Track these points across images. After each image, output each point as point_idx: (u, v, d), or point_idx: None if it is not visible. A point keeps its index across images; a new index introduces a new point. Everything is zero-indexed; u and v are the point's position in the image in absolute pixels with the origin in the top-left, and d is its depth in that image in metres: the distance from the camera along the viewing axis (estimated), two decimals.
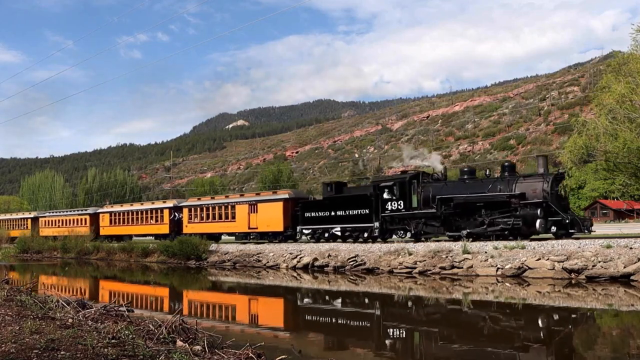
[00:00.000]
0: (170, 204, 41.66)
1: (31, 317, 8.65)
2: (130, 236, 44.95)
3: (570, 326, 12.25)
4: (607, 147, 17.21)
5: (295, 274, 24.32)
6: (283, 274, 24.82)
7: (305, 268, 25.06)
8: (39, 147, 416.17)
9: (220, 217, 36.28)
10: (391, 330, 12.50)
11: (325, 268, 24.43)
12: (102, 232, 45.92)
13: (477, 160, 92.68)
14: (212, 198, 39.05)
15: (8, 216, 61.99)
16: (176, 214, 40.26)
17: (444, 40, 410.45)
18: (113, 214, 45.99)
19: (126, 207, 47.00)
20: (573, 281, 17.22)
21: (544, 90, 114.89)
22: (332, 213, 29.74)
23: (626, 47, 18.36)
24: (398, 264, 22.07)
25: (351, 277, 22.05)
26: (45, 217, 53.89)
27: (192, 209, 38.16)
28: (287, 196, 32.93)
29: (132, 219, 43.83)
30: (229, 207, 35.42)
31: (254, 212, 33.52)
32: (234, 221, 34.83)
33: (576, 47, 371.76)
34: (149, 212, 42.12)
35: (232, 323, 13.74)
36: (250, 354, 6.87)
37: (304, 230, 30.83)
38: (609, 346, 10.07)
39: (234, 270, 27.49)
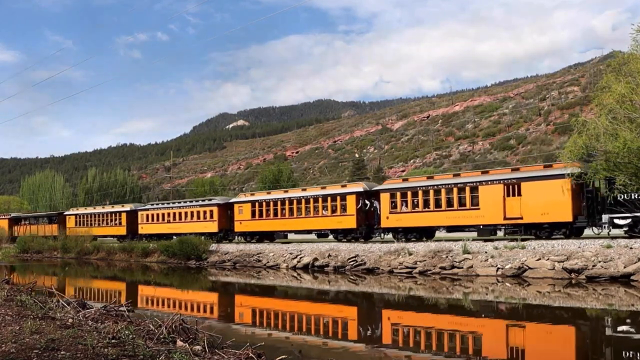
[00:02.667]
0: (357, 187, 30.08)
1: (31, 317, 8.64)
2: (284, 233, 34.57)
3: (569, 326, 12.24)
4: (607, 147, 17.18)
5: (295, 274, 24.32)
6: (283, 274, 24.82)
7: (306, 268, 25.06)
8: (39, 147, 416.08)
9: (445, 204, 25.62)
10: (391, 330, 12.49)
11: (326, 268, 24.43)
12: (239, 227, 34.78)
13: (477, 160, 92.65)
14: (429, 178, 28.13)
15: (91, 210, 50.44)
16: (367, 202, 28.94)
17: (444, 40, 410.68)
18: (258, 204, 33.78)
19: (279, 193, 34.97)
20: (573, 281, 17.22)
21: (544, 90, 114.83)
22: None
23: (626, 47, 18.31)
24: (398, 264, 22.07)
25: (351, 277, 22.05)
26: (147, 210, 42.52)
27: (399, 193, 27.29)
28: (571, 171, 21.41)
29: (294, 209, 32.01)
30: (465, 188, 24.89)
31: (514, 194, 23.27)
32: (476, 209, 24.46)
33: (576, 47, 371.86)
34: (324, 198, 30.67)
35: (232, 323, 13.74)
36: (251, 354, 6.87)
37: (616, 221, 20.69)
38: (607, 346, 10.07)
39: (234, 270, 27.48)
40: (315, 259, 25.22)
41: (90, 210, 50.54)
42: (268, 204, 33.35)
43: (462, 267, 20.19)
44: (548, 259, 18.47)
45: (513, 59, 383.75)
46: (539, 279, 17.79)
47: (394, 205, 27.30)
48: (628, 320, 12.27)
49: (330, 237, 31.23)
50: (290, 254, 26.96)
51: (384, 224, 27.60)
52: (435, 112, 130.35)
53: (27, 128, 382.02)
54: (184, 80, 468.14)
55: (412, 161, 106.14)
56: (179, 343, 7.40)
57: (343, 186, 31.40)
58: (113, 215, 45.72)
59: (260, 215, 33.55)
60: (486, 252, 20.46)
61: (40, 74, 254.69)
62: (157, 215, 41.16)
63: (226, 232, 36.15)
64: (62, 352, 6.10)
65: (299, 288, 21.09)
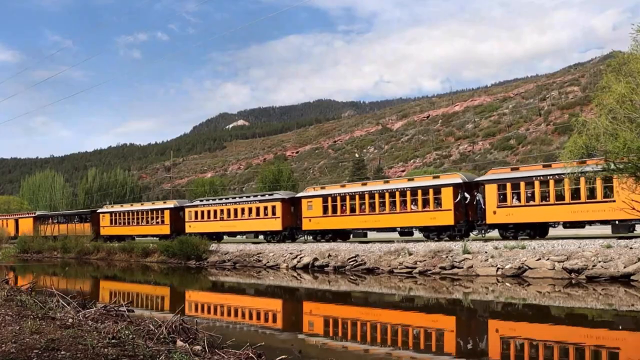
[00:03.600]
0: (454, 178, 26.71)
1: (31, 317, 8.64)
2: (363, 231, 30.55)
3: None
4: (607, 147, 17.17)
5: (295, 274, 24.33)
6: (283, 274, 24.83)
7: (306, 268, 25.07)
8: (39, 147, 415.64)
9: (569, 197, 22.31)
10: (391, 330, 12.50)
11: (326, 268, 24.44)
12: (308, 225, 31.17)
13: (477, 160, 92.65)
14: (546, 167, 24.74)
15: (128, 207, 46.16)
16: (467, 195, 25.62)
17: (444, 40, 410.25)
18: (331, 198, 30.38)
19: (355, 186, 31.33)
20: (573, 281, 17.22)
21: (544, 90, 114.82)
22: None
23: (626, 47, 18.29)
24: (398, 264, 22.08)
25: (351, 277, 22.06)
26: (196, 207, 38.41)
27: (509, 184, 24.18)
28: None
29: (375, 204, 28.41)
30: (594, 179, 21.10)
31: None
32: (609, 201, 21.08)
33: (576, 47, 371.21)
34: (413, 192, 27.20)
35: (232, 323, 13.74)
36: (251, 354, 6.87)
37: None
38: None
39: (234, 270, 27.49)
40: (315, 259, 25.23)
41: (127, 207, 46.20)
42: (343, 199, 29.70)
43: (462, 267, 20.20)
44: (548, 259, 18.48)
45: (513, 59, 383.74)
46: (539, 279, 17.79)
47: (502, 198, 24.33)
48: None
49: (418, 235, 27.96)
50: (290, 254, 26.97)
51: (490, 219, 24.55)
52: (435, 112, 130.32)
53: (27, 128, 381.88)
54: (184, 80, 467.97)
55: (412, 161, 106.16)
56: (179, 343, 7.40)
57: (435, 177, 28.14)
58: (154, 212, 41.49)
59: (334, 211, 29.93)
60: (486, 252, 20.47)
61: (40, 74, 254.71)
62: (208, 212, 36.90)
63: (291, 231, 32.61)
64: (62, 352, 6.10)
65: (299, 288, 21.10)
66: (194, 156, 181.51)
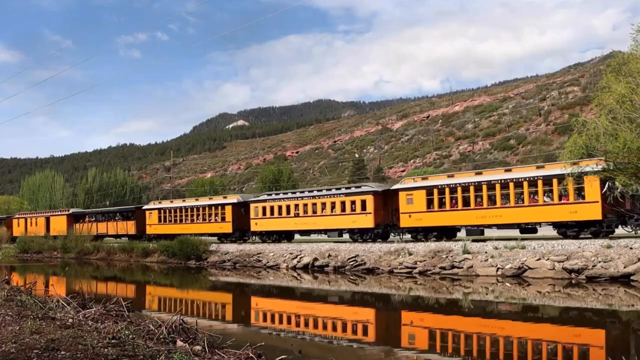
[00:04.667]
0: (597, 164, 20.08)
1: (31, 317, 8.65)
2: (479, 228, 26.76)
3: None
4: (607, 147, 17.17)
5: (295, 274, 24.33)
6: (283, 274, 24.83)
7: (306, 268, 25.07)
8: (39, 147, 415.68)
9: None
10: (390, 330, 12.50)
11: (326, 268, 24.44)
12: (407, 222, 27.15)
13: (477, 160, 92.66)
14: None
15: (179, 203, 41.38)
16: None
17: (444, 40, 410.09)
18: (438, 190, 26.40)
19: (466, 176, 27.49)
20: (573, 281, 17.23)
21: (544, 90, 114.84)
22: None
23: (626, 47, 18.29)
24: (398, 264, 22.08)
25: (351, 277, 22.06)
26: (263, 202, 33.88)
27: None
28: None
29: (496, 197, 24.51)
30: None
31: None
32: None
33: (576, 47, 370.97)
34: (531, 182, 23.58)
35: (232, 323, 13.74)
36: (251, 354, 6.87)
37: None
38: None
39: (234, 270, 27.50)
40: (315, 259, 25.23)
41: (178, 203, 41.51)
42: (453, 190, 25.79)
43: (462, 267, 20.20)
44: (548, 259, 18.48)
45: (513, 59, 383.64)
46: (539, 279, 17.80)
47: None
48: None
49: (544, 232, 24.78)
50: (290, 254, 26.97)
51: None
52: (435, 112, 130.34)
53: (27, 128, 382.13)
54: (184, 80, 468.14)
55: (412, 161, 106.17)
56: (179, 343, 7.40)
57: (575, 163, 19.71)
58: (213, 208, 37.15)
59: (441, 205, 26.07)
60: (486, 252, 20.48)
61: (40, 74, 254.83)
62: (279, 207, 32.66)
63: (386, 228, 28.84)
64: (62, 352, 6.10)
65: (299, 288, 21.10)
66: (194, 156, 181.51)
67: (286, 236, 33.08)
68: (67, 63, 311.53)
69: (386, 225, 28.83)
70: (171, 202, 43.09)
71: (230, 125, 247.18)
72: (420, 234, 27.06)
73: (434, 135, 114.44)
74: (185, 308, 16.08)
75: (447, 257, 21.07)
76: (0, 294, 12.26)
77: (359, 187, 30.90)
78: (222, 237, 36.61)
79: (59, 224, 49.58)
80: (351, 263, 23.73)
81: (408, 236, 27.87)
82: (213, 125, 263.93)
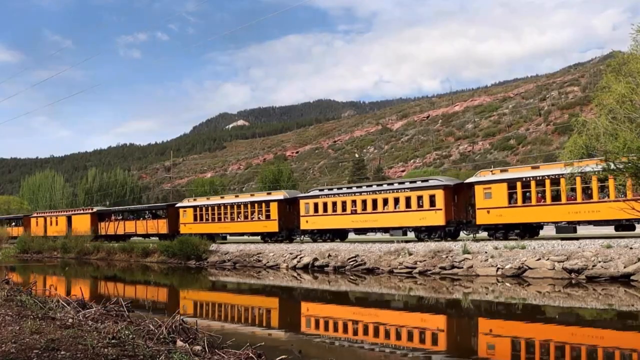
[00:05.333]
0: None
1: (31, 317, 8.65)
2: (573, 225, 24.66)
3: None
4: (607, 147, 17.16)
5: (295, 274, 24.33)
6: (283, 274, 24.83)
7: (306, 268, 25.07)
8: (39, 147, 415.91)
9: None
10: (390, 329, 12.50)
11: (326, 268, 24.43)
12: (485, 218, 24.82)
13: (477, 160, 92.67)
14: None
15: (216, 200, 38.25)
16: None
17: (444, 40, 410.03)
18: (522, 184, 23.87)
19: (554, 167, 23.79)
20: (573, 281, 17.22)
21: (544, 90, 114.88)
22: None
23: (626, 47, 18.29)
24: (398, 264, 22.08)
25: (351, 277, 22.06)
26: (316, 198, 31.19)
27: None
28: None
29: (592, 189, 21.94)
30: None
31: None
32: None
33: (576, 47, 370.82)
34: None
35: (232, 323, 13.74)
36: (251, 354, 6.87)
37: None
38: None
39: (234, 270, 27.50)
40: (315, 259, 25.23)
41: (216, 200, 38.30)
42: (540, 182, 23.14)
43: (462, 267, 20.20)
44: (548, 259, 18.48)
45: (513, 59, 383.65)
46: (539, 279, 17.80)
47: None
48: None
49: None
50: (290, 254, 26.97)
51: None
52: (435, 112, 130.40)
53: (27, 128, 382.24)
54: (184, 80, 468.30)
55: (412, 161, 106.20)
56: (179, 343, 7.40)
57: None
58: (256, 206, 34.00)
59: (526, 199, 23.67)
60: (486, 252, 20.47)
61: (40, 74, 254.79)
62: (334, 204, 29.87)
63: (458, 226, 26.38)
64: (62, 352, 6.10)
65: (298, 288, 21.10)
66: (194, 156, 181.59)
67: (339, 235, 30.81)
68: (67, 63, 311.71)
69: (458, 222, 26.18)
70: (207, 199, 40.15)
71: (230, 125, 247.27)
72: (500, 231, 24.66)
73: (434, 135, 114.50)
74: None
75: (447, 257, 21.06)
76: (0, 294, 12.26)
77: (426, 180, 28.15)
78: (267, 237, 33.63)
79: (82, 223, 46.77)
80: (351, 263, 23.73)
81: (483, 234, 25.72)
82: (213, 125, 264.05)
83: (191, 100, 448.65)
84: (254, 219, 34.11)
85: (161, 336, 7.65)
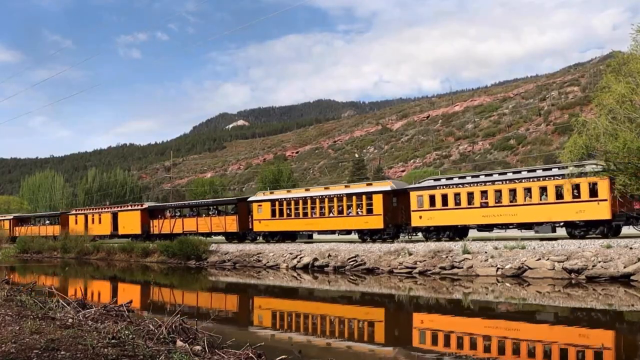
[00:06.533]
0: None
1: (31, 317, 8.65)
2: None
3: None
4: (607, 147, 17.18)
5: (295, 274, 24.33)
6: (283, 274, 24.82)
7: (305, 268, 25.06)
8: (39, 147, 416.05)
9: None
10: (390, 329, 12.50)
11: (325, 268, 24.43)
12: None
13: (477, 160, 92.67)
14: None
15: (300, 193, 33.53)
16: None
17: (444, 40, 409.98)
18: None
19: None
20: (573, 281, 17.22)
21: (544, 90, 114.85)
22: None
23: (626, 47, 18.31)
24: (398, 264, 22.07)
25: (351, 277, 22.05)
26: (431, 189, 26.75)
27: None
28: None
29: None
30: None
31: None
32: None
33: (576, 47, 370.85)
34: None
35: (232, 323, 13.74)
36: (251, 354, 6.87)
37: None
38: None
39: (234, 270, 27.49)
40: (315, 259, 25.22)
41: (299, 193, 33.51)
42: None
43: (462, 267, 20.19)
44: (548, 259, 18.47)
45: (513, 59, 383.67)
46: (539, 279, 17.79)
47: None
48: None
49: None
50: (290, 254, 26.96)
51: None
52: (435, 112, 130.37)
53: (27, 128, 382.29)
54: (184, 80, 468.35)
55: (412, 161, 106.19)
56: (179, 343, 7.40)
57: None
58: (354, 198, 29.38)
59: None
60: (486, 252, 20.47)
61: (40, 74, 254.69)
62: (456, 195, 25.83)
63: (629, 219, 21.63)
64: (62, 352, 6.10)
65: (298, 288, 21.10)
66: (193, 156, 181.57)
67: (459, 233, 26.11)
68: (67, 63, 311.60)
69: (628, 216, 21.76)
70: (288, 191, 35.63)
71: (230, 125, 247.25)
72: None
73: (434, 135, 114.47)
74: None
75: (447, 257, 21.06)
76: (0, 294, 12.26)
77: (581, 165, 21.74)
78: (367, 235, 28.87)
79: (130, 221, 42.28)
80: (351, 263, 23.72)
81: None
82: (213, 125, 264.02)
83: (191, 100, 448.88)
84: (350, 214, 29.45)
85: (161, 336, 7.65)
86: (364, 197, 28.98)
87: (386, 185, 29.42)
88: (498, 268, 19.20)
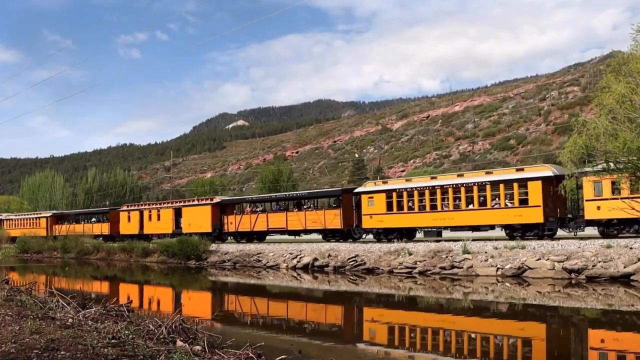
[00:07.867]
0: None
1: (31, 317, 8.64)
2: None
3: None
4: (607, 147, 17.18)
5: (295, 274, 24.33)
6: (283, 274, 24.82)
7: (305, 268, 25.06)
8: (39, 147, 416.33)
9: None
10: (390, 329, 12.50)
11: (325, 268, 24.43)
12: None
13: (477, 160, 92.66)
14: None
15: (423, 182, 28.10)
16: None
17: (444, 40, 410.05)
18: None
19: None
20: (573, 281, 17.23)
21: (544, 90, 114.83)
22: None
23: (626, 47, 18.32)
24: (398, 264, 22.07)
25: (351, 277, 22.06)
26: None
27: None
28: None
29: None
30: None
31: None
32: None
33: (576, 47, 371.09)
34: None
35: (232, 323, 13.74)
36: (250, 354, 6.87)
37: None
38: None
39: (234, 270, 27.49)
40: (315, 259, 25.23)
41: (424, 182, 28.01)
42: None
43: (462, 267, 20.20)
44: (548, 259, 18.48)
45: (513, 59, 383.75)
46: (539, 279, 17.80)
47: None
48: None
49: None
50: (290, 254, 26.96)
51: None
52: (435, 112, 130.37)
53: (27, 128, 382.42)
54: (184, 80, 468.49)
55: (412, 161, 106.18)
56: (179, 343, 7.40)
57: None
58: (502, 186, 24.32)
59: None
60: (486, 252, 20.47)
61: (40, 74, 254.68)
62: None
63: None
64: (62, 352, 6.10)
65: (298, 288, 21.10)
66: (193, 156, 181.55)
67: None
68: (67, 63, 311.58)
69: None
70: (406, 180, 30.34)
71: (230, 125, 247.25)
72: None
73: (434, 135, 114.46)
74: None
75: (447, 257, 21.06)
76: (0, 294, 12.26)
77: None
78: (520, 231, 23.90)
79: (198, 218, 37.61)
80: (351, 263, 23.72)
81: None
82: (213, 125, 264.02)
83: (191, 100, 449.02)
84: (495, 207, 24.48)
85: (161, 336, 7.65)
86: (515, 185, 24.01)
87: (547, 170, 23.76)
88: (498, 268, 19.20)
